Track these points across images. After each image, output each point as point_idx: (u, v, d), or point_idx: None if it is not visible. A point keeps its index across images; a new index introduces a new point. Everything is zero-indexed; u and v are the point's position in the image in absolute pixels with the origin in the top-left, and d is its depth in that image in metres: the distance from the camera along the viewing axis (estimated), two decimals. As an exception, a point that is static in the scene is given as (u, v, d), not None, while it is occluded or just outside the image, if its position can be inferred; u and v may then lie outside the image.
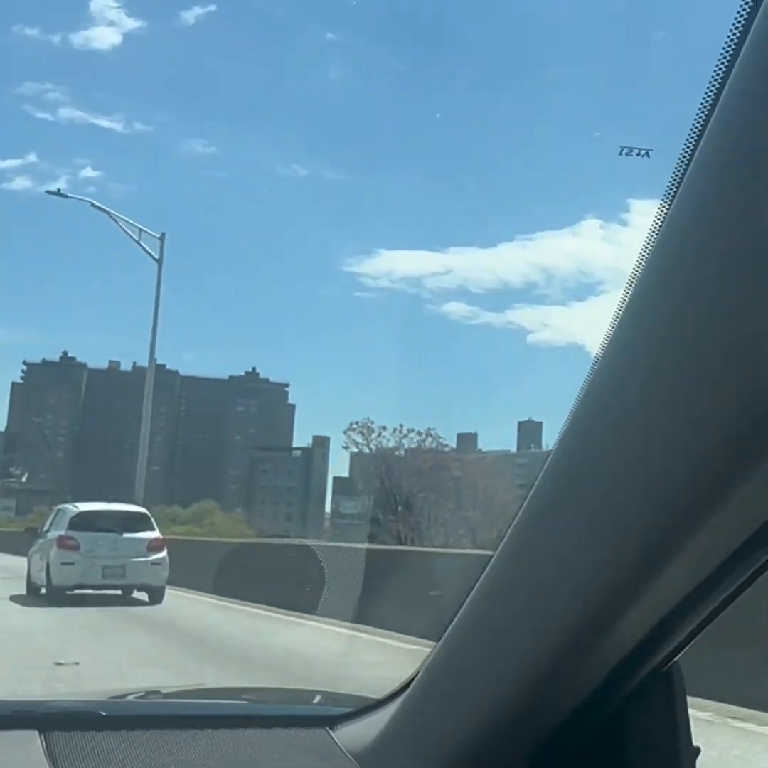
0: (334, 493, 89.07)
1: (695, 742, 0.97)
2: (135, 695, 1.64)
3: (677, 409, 0.68)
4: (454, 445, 64.28)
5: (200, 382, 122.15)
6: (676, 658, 0.91)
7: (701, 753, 0.98)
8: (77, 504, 16.53)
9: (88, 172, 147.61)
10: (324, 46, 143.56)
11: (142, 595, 15.13)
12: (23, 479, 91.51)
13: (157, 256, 25.63)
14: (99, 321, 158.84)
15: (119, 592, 15.34)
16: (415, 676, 1.06)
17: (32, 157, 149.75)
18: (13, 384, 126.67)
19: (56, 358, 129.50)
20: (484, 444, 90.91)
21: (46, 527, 16.52)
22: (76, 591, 14.60)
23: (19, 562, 18.42)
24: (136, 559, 14.98)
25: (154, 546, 15.39)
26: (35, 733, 1.22)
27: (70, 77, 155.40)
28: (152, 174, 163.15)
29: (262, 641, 10.43)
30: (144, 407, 26.54)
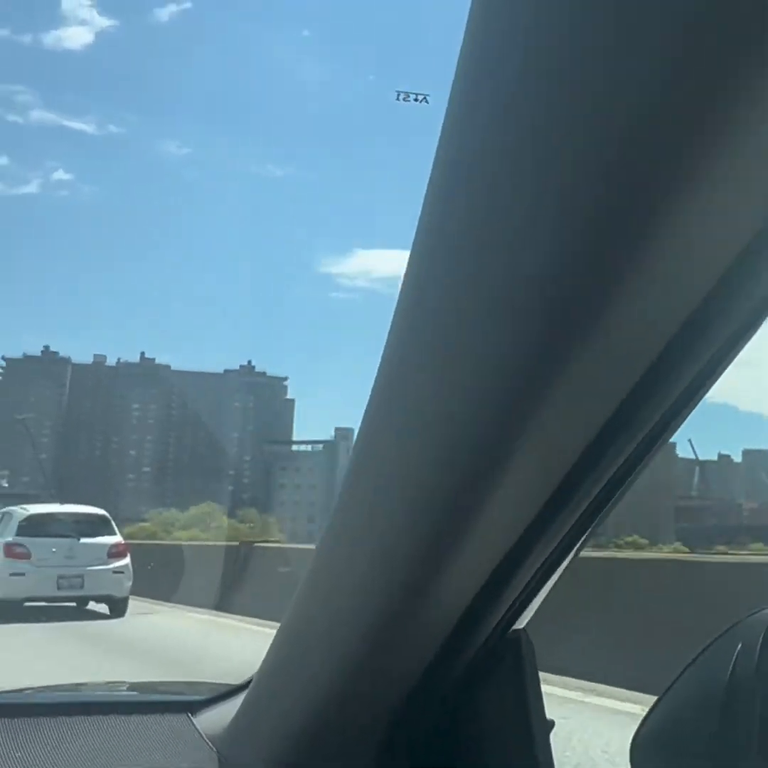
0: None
1: (550, 716, 0.95)
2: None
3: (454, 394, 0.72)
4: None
5: (193, 377, 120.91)
6: (517, 625, 0.92)
7: (556, 726, 0.96)
8: (26, 506, 14.94)
9: (60, 175, 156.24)
10: (300, 42, 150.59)
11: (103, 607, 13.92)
12: (3, 483, 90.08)
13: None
14: (82, 314, 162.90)
15: (74, 604, 14.12)
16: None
17: (3, 160, 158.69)
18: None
19: (38, 352, 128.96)
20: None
21: None
22: (28, 603, 13.40)
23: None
24: (95, 568, 13.56)
25: (115, 552, 14.01)
26: None
27: (41, 78, 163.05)
28: (125, 176, 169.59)
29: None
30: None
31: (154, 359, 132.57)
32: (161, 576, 16.01)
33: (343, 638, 0.91)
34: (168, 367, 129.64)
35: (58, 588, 13.42)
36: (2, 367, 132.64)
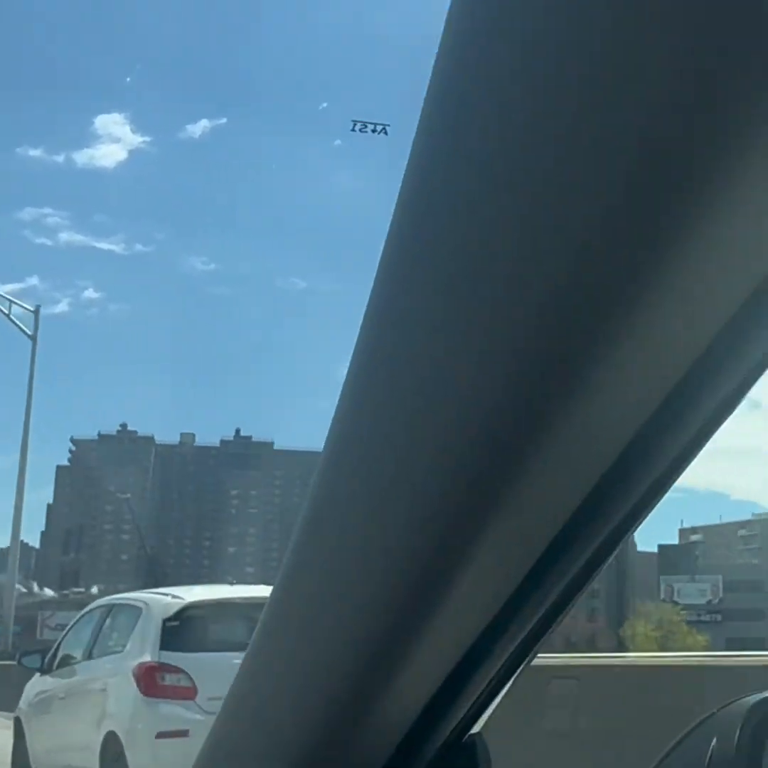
0: (659, 571, 76.99)
1: None
2: None
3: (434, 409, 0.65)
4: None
5: (297, 457, 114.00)
6: (473, 729, 0.95)
7: None
8: (174, 590, 8.39)
9: (90, 294, 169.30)
10: (332, 153, 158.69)
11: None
12: (93, 590, 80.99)
13: (30, 332, 30.00)
14: (161, 389, 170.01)
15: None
16: None
17: (34, 281, 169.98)
18: (59, 468, 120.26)
19: (113, 431, 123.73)
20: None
21: (81, 644, 7.94)
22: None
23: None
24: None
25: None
26: None
27: (72, 200, 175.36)
28: (152, 293, 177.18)
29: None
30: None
31: (250, 437, 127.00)
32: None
33: (283, 737, 0.91)
34: (270, 443, 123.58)
35: None
36: (70, 452, 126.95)
